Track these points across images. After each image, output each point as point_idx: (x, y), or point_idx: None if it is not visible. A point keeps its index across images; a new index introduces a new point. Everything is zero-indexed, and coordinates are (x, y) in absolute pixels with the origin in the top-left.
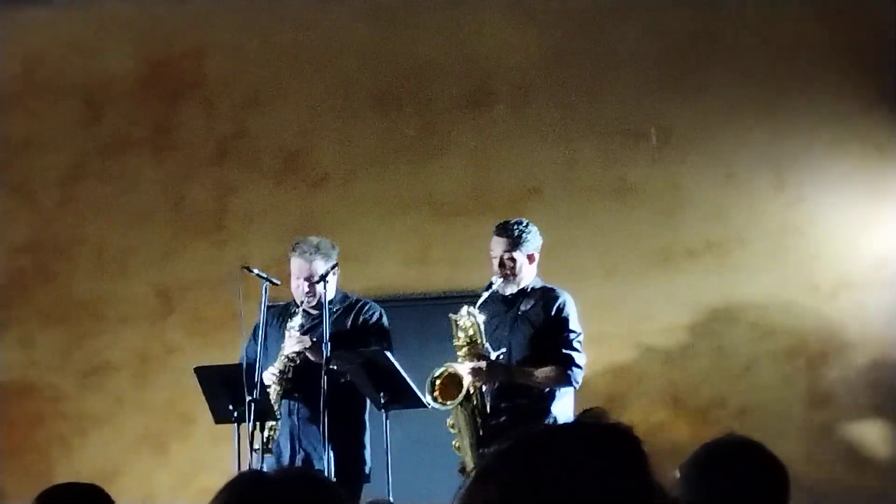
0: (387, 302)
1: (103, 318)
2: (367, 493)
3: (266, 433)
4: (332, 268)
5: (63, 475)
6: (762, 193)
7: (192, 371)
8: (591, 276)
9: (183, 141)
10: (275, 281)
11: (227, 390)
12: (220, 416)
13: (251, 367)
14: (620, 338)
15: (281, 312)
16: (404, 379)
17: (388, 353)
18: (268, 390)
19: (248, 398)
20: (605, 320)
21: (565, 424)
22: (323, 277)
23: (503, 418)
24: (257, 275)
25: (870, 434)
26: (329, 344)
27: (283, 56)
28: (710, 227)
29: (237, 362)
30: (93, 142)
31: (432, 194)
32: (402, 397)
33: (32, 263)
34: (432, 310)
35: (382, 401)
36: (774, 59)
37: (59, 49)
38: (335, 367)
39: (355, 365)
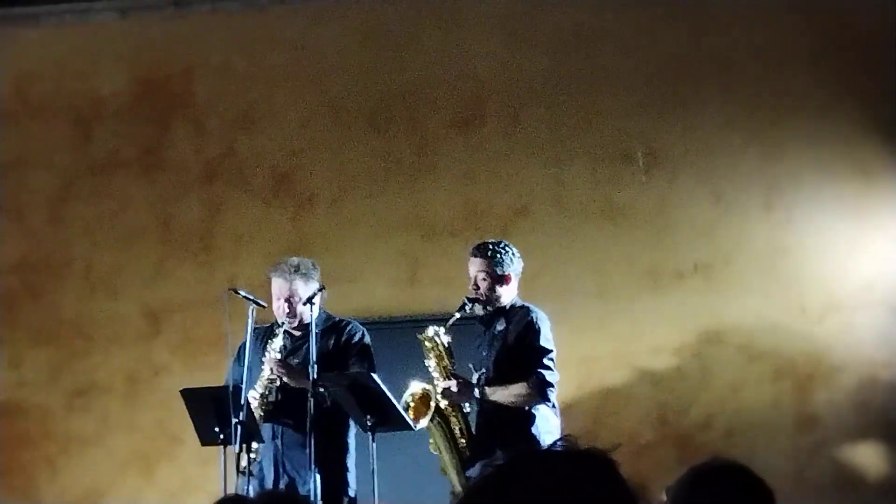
0: (376, 323)
1: (91, 339)
2: None
3: (248, 456)
4: (320, 290)
5: (50, 496)
6: (750, 215)
7: (179, 393)
8: (580, 297)
9: (172, 161)
10: (261, 303)
11: (213, 412)
12: (207, 439)
13: (237, 388)
14: (609, 358)
15: (264, 334)
16: (391, 401)
17: (375, 376)
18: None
19: (234, 420)
20: (593, 341)
21: (541, 451)
22: (310, 299)
23: (484, 437)
24: (244, 297)
25: (858, 456)
26: (315, 366)
27: (274, 76)
28: (699, 249)
29: (223, 384)
30: (82, 162)
31: (422, 215)
32: (388, 420)
33: (21, 283)
34: (420, 330)
35: (369, 423)
36: (763, 82)
37: (49, 69)
38: (322, 390)
39: (342, 387)
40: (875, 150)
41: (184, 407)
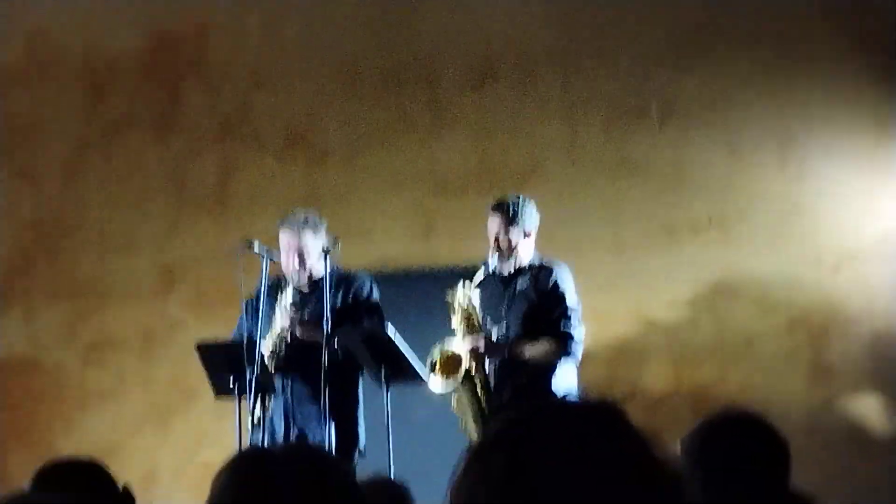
0: (390, 277)
1: (106, 295)
2: (367, 469)
3: (262, 408)
4: (335, 242)
5: (66, 451)
6: (765, 168)
7: (194, 347)
8: (595, 252)
9: (186, 120)
10: (275, 258)
11: (227, 365)
12: (220, 391)
13: (252, 341)
14: (623, 313)
15: (271, 287)
16: (405, 355)
17: (390, 329)
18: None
19: (248, 373)
20: (608, 295)
21: (553, 403)
22: (326, 252)
23: (505, 396)
24: (258, 251)
25: (872, 408)
26: (331, 319)
27: (287, 34)
28: (714, 202)
29: (231, 339)
30: (96, 121)
31: (436, 171)
32: (403, 373)
33: (36, 241)
34: (435, 285)
35: (383, 376)
36: (778, 35)
37: (61, 29)
38: (335, 344)
39: (357, 340)
40: (890, 102)
41: (198, 362)
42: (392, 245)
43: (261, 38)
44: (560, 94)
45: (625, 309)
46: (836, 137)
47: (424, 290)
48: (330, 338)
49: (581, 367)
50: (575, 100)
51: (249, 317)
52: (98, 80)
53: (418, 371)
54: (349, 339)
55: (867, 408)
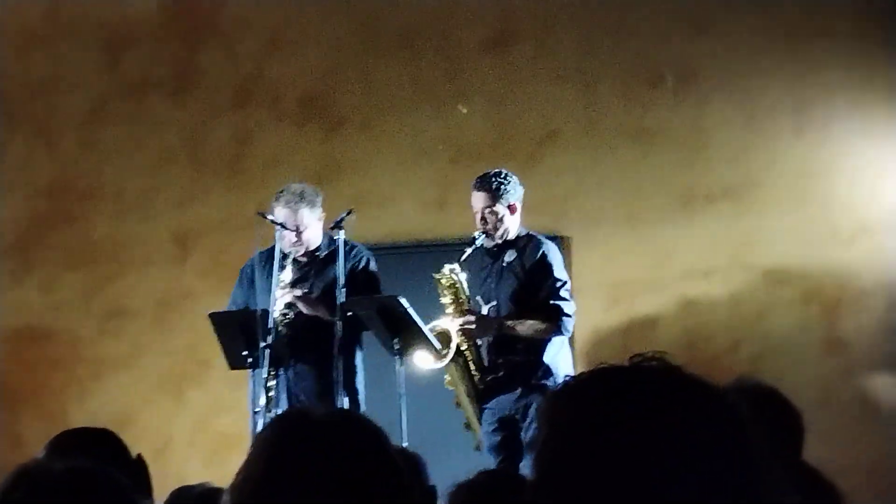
0: (404, 247)
1: (122, 263)
2: None
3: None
4: (348, 213)
5: (80, 420)
6: (781, 138)
7: (208, 317)
8: (610, 220)
9: (203, 84)
10: (289, 227)
11: (241, 336)
12: (235, 363)
13: (265, 312)
14: (638, 282)
15: (267, 257)
16: (419, 325)
17: (403, 300)
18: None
19: (261, 343)
20: (622, 265)
21: (624, 366)
22: (338, 224)
23: (500, 373)
24: (272, 221)
25: (885, 380)
26: (344, 290)
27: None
28: (729, 172)
29: (229, 308)
30: (113, 85)
31: (452, 139)
32: (416, 344)
33: (52, 207)
34: (450, 255)
35: (396, 347)
36: (795, 3)
37: None
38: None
39: (370, 311)
40: None
41: (213, 331)
42: (407, 215)
43: (277, 3)
44: (577, 61)
45: (639, 279)
46: (853, 107)
47: (439, 261)
48: (342, 308)
49: (592, 337)
50: (592, 67)
51: (244, 287)
52: (115, 43)
53: (432, 342)
54: (363, 309)
55: (880, 380)
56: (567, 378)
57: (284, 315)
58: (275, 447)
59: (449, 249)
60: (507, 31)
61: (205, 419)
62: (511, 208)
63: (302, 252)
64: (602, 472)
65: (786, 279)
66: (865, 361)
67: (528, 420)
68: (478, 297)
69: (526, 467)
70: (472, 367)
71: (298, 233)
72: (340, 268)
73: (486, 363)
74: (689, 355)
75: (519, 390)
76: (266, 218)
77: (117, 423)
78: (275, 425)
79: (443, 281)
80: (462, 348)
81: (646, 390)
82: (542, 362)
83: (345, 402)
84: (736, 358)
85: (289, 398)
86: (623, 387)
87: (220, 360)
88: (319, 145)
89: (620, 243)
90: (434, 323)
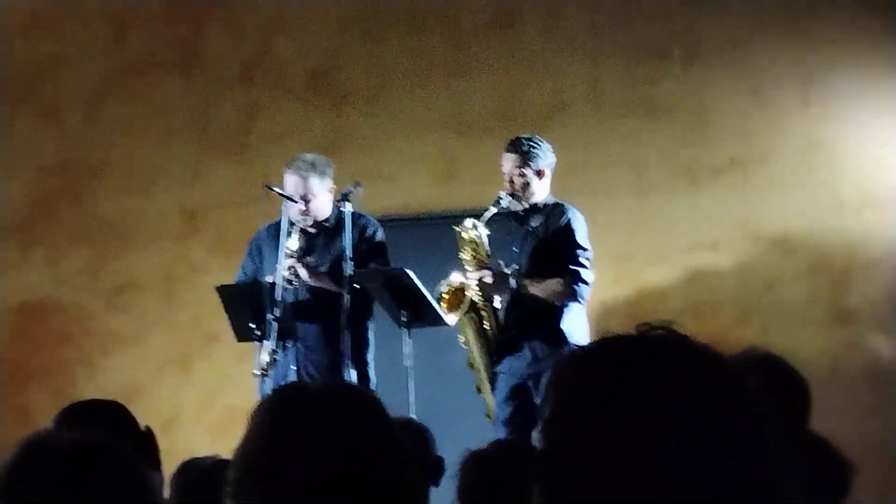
0: (412, 220)
1: (129, 238)
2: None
3: (267, 358)
4: (356, 185)
5: (88, 394)
6: (787, 110)
7: (215, 290)
8: (616, 194)
9: (209, 60)
10: (295, 200)
11: (248, 308)
12: (242, 335)
13: (273, 284)
14: (645, 255)
15: (276, 229)
16: (426, 297)
17: (410, 272)
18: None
19: (269, 316)
20: (629, 237)
21: (633, 335)
22: (345, 196)
23: (513, 332)
24: (279, 193)
25: (893, 351)
26: (352, 262)
27: None
28: (736, 145)
29: (237, 280)
30: (119, 62)
31: (459, 112)
32: (423, 316)
33: (59, 184)
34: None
35: (404, 319)
36: None
37: None
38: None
39: (377, 283)
40: None
41: (220, 305)
42: (414, 188)
43: None
44: (584, 35)
45: (646, 251)
46: (859, 80)
47: (446, 234)
48: (350, 280)
49: (599, 309)
50: (599, 41)
51: (253, 259)
52: (121, 19)
53: (439, 314)
54: (370, 282)
55: (888, 349)
56: (573, 347)
57: (290, 283)
58: (273, 421)
59: (456, 222)
60: (514, 6)
61: (212, 393)
62: (540, 173)
63: (310, 223)
64: (608, 443)
65: (793, 250)
66: (873, 331)
67: (541, 389)
68: (499, 261)
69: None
70: (488, 326)
71: (306, 202)
72: (348, 240)
73: (501, 323)
74: (697, 327)
75: (532, 355)
76: (273, 190)
77: (125, 398)
78: (273, 399)
79: (463, 235)
80: (479, 306)
81: (653, 359)
82: (559, 329)
83: (353, 375)
84: (744, 329)
85: (298, 372)
86: (630, 356)
87: (227, 334)
88: (326, 120)
89: (628, 216)
90: (452, 276)
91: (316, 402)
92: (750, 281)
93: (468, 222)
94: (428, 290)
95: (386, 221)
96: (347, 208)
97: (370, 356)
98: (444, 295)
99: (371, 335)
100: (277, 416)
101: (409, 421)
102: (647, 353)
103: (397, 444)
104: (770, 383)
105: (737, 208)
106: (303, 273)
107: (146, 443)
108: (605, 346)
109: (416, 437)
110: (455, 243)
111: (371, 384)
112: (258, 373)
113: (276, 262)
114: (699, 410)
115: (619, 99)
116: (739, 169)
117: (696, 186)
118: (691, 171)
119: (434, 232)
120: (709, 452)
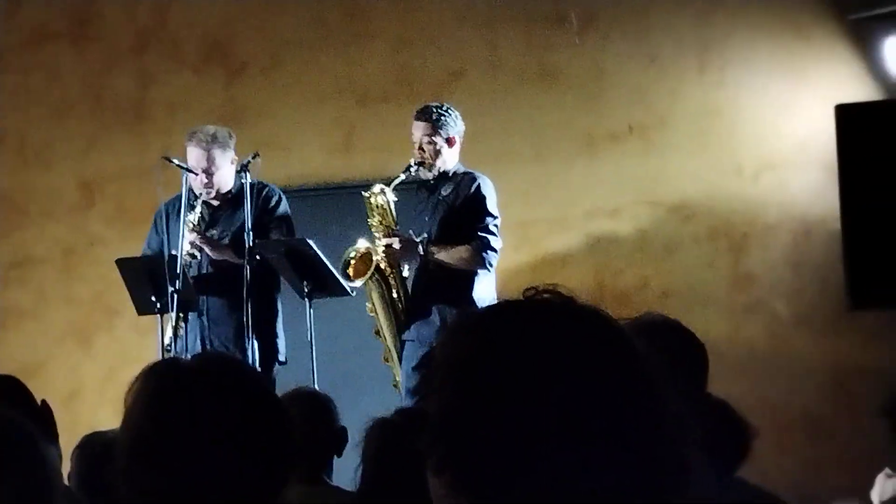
0: (311, 190)
1: (26, 212)
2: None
3: (185, 325)
4: (254, 156)
5: None
6: (685, 76)
7: (115, 263)
8: (517, 161)
9: (103, 32)
10: (195, 171)
11: (149, 281)
12: (143, 308)
13: (173, 257)
14: (545, 222)
15: (177, 201)
16: (328, 267)
17: (311, 242)
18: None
19: (170, 289)
20: (529, 204)
21: (522, 300)
22: (244, 167)
23: (424, 301)
24: (177, 165)
25: (792, 314)
26: (252, 233)
27: None
28: (634, 111)
29: (142, 254)
30: (12, 34)
31: (356, 81)
32: (325, 286)
33: None
34: (356, 198)
35: (306, 290)
36: None
37: None
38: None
39: (278, 254)
40: (810, 10)
41: (120, 278)
42: (312, 158)
43: None
44: (481, 1)
45: (546, 218)
46: (756, 45)
47: (345, 204)
48: (251, 251)
49: (501, 276)
50: (496, 7)
51: (158, 231)
52: None
53: (342, 283)
54: (271, 252)
55: (788, 313)
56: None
57: (192, 257)
58: (148, 400)
59: (355, 192)
60: None
61: (114, 368)
62: (450, 141)
63: (213, 195)
64: (496, 408)
65: (692, 216)
66: (773, 295)
67: None
68: (410, 231)
69: None
70: (397, 295)
71: (209, 175)
72: (248, 212)
73: (409, 291)
74: (599, 293)
75: (441, 321)
76: (172, 162)
77: (24, 373)
78: (146, 378)
79: (371, 200)
80: (386, 274)
81: (539, 323)
82: (468, 296)
83: (255, 347)
84: (644, 295)
85: (202, 344)
86: (516, 320)
87: (128, 308)
88: (222, 90)
89: (527, 183)
90: (359, 243)
91: (187, 378)
92: (650, 246)
93: (376, 188)
94: (329, 259)
95: (284, 192)
96: (246, 179)
97: (279, 328)
98: (351, 261)
99: (279, 306)
100: (150, 392)
101: (312, 392)
102: (534, 316)
103: (276, 414)
104: (667, 347)
105: (635, 174)
106: (207, 248)
107: (43, 417)
108: (491, 312)
109: (318, 408)
110: (355, 212)
111: (280, 355)
112: (167, 342)
113: (178, 235)
114: (585, 372)
115: (516, 65)
116: (637, 135)
117: (595, 153)
118: (590, 138)
119: (333, 202)
120: (598, 415)
